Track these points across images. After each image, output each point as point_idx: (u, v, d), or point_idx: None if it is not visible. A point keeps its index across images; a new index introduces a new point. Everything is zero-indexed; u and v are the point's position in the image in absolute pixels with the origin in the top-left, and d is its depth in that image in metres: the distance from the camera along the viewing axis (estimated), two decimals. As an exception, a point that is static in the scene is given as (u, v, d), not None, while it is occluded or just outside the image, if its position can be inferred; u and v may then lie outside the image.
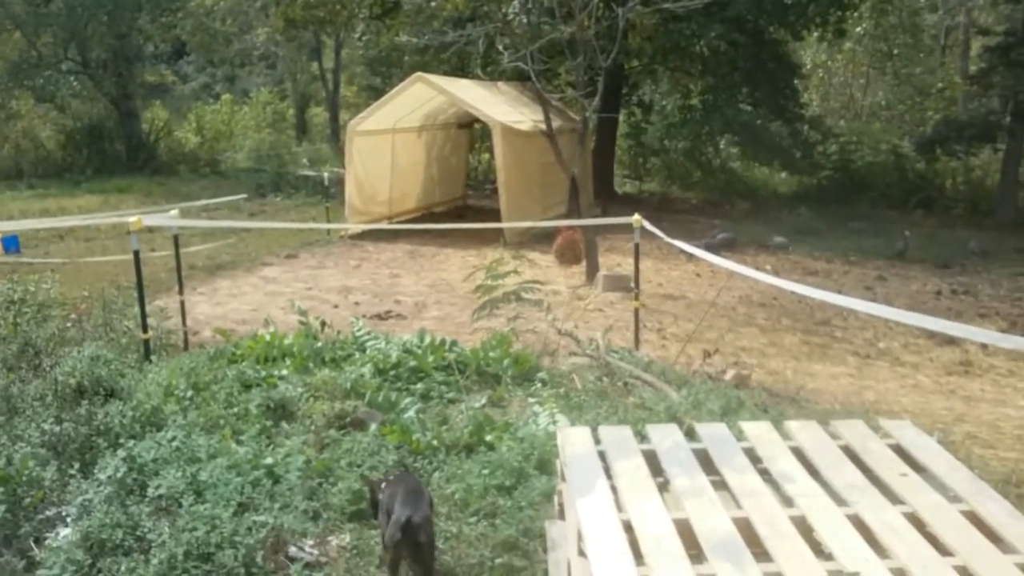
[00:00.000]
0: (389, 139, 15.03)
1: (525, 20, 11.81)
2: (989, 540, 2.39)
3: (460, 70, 17.51)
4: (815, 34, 20.55)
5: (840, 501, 2.61)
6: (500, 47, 12.31)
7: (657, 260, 12.58)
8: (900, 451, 2.93)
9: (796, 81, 21.05)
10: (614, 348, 6.93)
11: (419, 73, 14.05)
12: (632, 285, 9.86)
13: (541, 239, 12.83)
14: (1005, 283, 11.61)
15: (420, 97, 14.24)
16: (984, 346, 8.38)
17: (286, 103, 32.70)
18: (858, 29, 24.87)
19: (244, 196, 16.25)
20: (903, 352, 8.28)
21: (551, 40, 11.37)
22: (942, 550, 2.34)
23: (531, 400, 5.62)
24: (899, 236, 14.10)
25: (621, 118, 21.25)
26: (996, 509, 2.53)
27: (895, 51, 26.27)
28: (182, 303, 7.45)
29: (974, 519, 2.49)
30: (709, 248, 12.51)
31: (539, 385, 5.92)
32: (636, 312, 7.51)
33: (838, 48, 25.57)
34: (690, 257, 11.37)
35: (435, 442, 4.63)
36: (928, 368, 7.78)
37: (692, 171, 22.58)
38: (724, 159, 22.96)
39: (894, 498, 2.61)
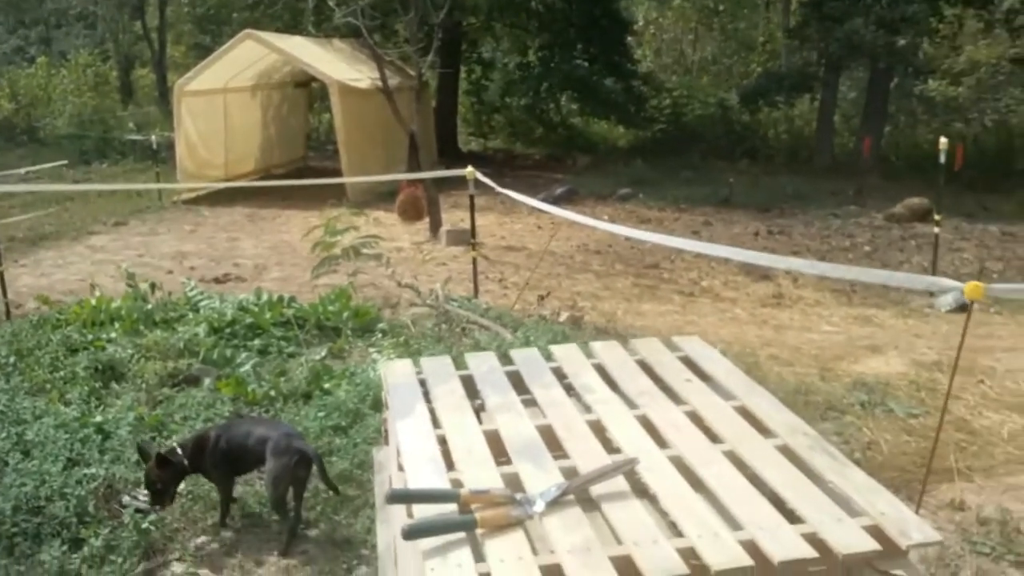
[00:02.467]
0: (221, 99, 14.54)
1: (356, -25, 11.67)
2: (755, 429, 2.74)
3: (293, 27, 17.07)
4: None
5: (632, 405, 2.90)
6: (331, 2, 12.10)
7: (500, 215, 12.87)
8: (688, 362, 3.26)
9: (629, 38, 21.74)
10: (453, 297, 7.13)
11: (248, 30, 13.63)
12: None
13: (385, 198, 12.83)
14: (817, 223, 12.60)
15: (251, 55, 13.83)
16: (795, 280, 9.16)
17: (108, 65, 30.69)
18: (686, -16, 25.91)
19: (64, 163, 15.33)
20: (723, 289, 8.92)
21: (382, -5, 11.32)
22: (714, 439, 2.67)
23: (371, 349, 5.75)
24: (724, 183, 15.00)
25: (462, 75, 21.36)
26: (763, 403, 2.90)
27: (721, 7, 27.50)
28: (0, 275, 7.09)
29: (744, 413, 2.84)
30: (549, 201, 12.91)
31: (379, 336, 6.05)
32: (474, 261, 7.73)
33: (668, 5, 26.52)
34: (532, 210, 11.72)
35: (272, 392, 4.69)
36: (745, 302, 8.43)
37: (534, 128, 23.01)
38: (565, 115, 23.50)
39: (678, 400, 2.94)
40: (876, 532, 2.19)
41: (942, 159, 8.41)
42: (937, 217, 8.68)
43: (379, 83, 11.48)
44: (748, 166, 18.37)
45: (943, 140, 8.47)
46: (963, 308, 7.71)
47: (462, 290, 7.84)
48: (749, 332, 7.22)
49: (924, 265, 9.60)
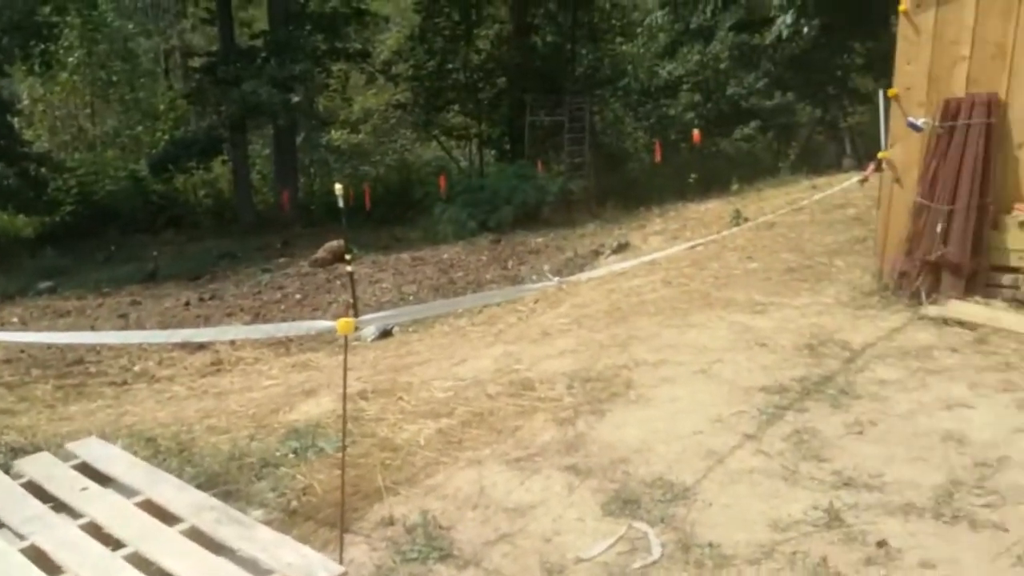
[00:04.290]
0: None
1: None
2: (160, 519, 2.61)
3: None
4: (23, 68, 19.51)
5: (19, 537, 2.56)
6: None
7: None
8: (85, 468, 3.00)
9: (13, 118, 19.74)
10: None
11: None
12: None
13: None
14: (247, 282, 12.79)
15: None
16: (232, 342, 9.14)
17: None
18: (71, 59, 24.31)
19: None
20: (159, 369, 8.50)
21: None
22: (116, 545, 2.48)
23: None
24: (149, 258, 14.41)
25: None
26: (167, 489, 2.78)
27: (115, 78, 26.46)
28: None
29: (149, 506, 2.70)
30: (-66, 313, 11.02)
31: None
32: None
33: (55, 80, 24.63)
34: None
35: None
36: (183, 377, 8.13)
37: None
38: (-53, 212, 20.36)
39: (75, 514, 2.68)
40: (284, 586, 2.23)
41: (340, 203, 9.13)
42: (348, 256, 9.40)
43: None
44: (173, 236, 17.98)
45: (338, 186, 9.20)
46: (385, 334, 8.52)
47: None
48: (189, 408, 6.96)
49: (350, 301, 10.33)
